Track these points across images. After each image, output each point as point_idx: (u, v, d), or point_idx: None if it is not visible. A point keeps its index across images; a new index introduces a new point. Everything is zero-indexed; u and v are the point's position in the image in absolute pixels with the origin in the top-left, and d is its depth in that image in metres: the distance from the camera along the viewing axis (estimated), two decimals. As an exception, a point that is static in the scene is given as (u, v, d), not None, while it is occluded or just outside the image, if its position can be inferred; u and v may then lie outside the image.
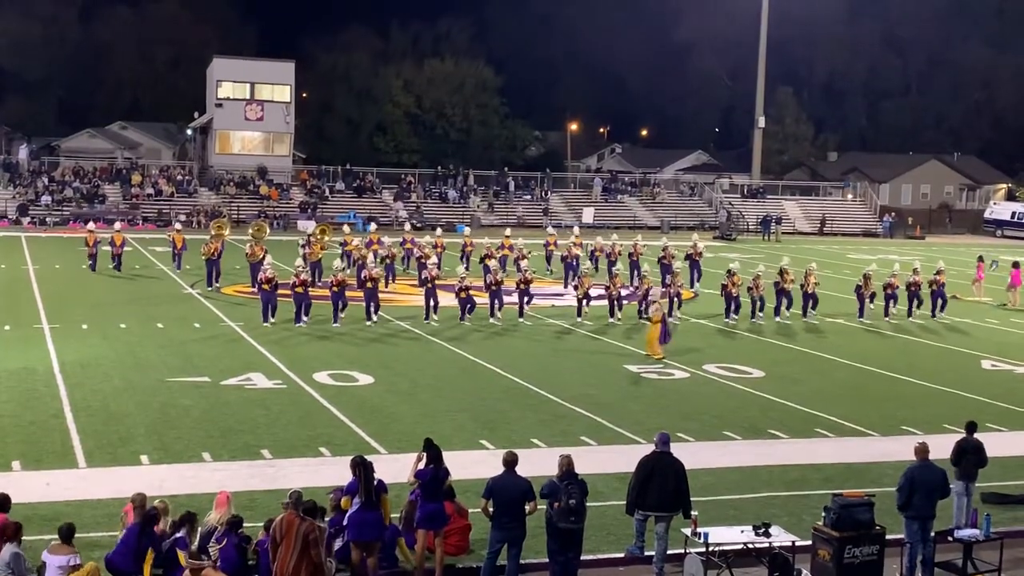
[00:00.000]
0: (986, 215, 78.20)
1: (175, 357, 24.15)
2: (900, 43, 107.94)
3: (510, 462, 12.48)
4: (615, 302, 31.29)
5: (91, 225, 42.76)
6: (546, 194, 73.09)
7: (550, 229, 47.93)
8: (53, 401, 19.73)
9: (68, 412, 18.99)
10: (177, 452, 16.87)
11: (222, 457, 16.71)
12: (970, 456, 14.45)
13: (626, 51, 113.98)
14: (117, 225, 43.10)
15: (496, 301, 30.64)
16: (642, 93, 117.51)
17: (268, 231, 40.01)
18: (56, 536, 11.61)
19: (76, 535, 11.79)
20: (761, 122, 79.74)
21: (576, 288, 32.15)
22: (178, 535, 11.75)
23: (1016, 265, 38.31)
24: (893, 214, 75.88)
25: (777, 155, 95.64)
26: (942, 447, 14.76)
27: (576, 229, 45.61)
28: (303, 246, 37.04)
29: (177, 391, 20.82)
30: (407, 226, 47.57)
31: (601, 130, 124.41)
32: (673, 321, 30.97)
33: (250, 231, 39.40)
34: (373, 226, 46.16)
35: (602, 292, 32.06)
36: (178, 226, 43.70)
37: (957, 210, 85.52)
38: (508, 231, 44.52)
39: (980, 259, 40.73)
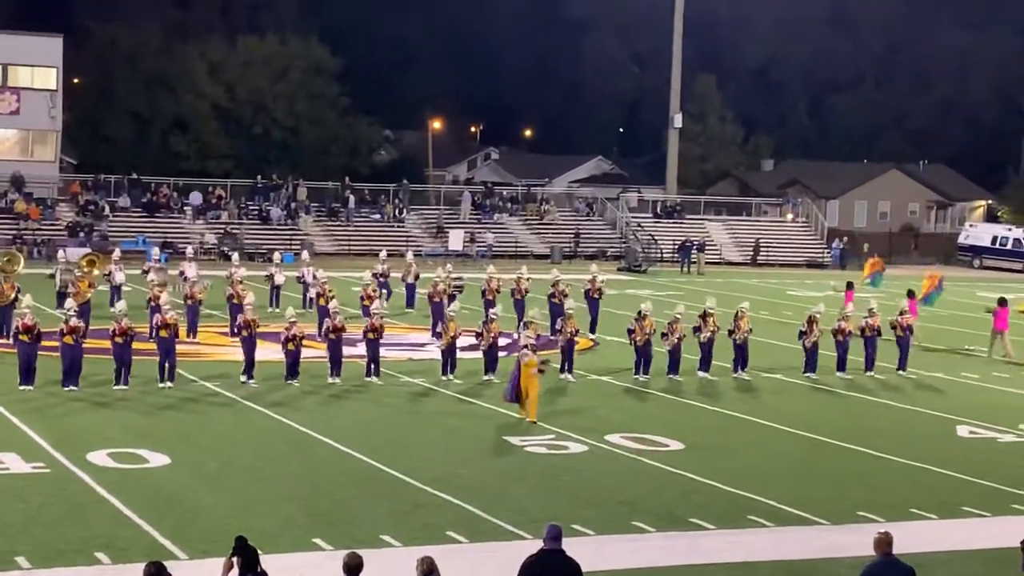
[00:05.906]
0: (960, 240, 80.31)
1: (-103, 433, 23.50)
2: (852, 24, 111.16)
3: (353, 567, 12.42)
4: (491, 354, 31.30)
5: None
6: (400, 212, 73.17)
7: (409, 256, 47.96)
8: None
9: None
10: (-100, 562, 16.39)
11: (-38, 568, 16.30)
12: None
13: (504, 30, 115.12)
14: None
15: (336, 354, 30.43)
16: (525, 84, 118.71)
17: (23, 263, 39.20)
18: None
19: None
20: (678, 121, 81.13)
21: (439, 336, 32.10)
22: None
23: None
24: (844, 239, 77.72)
25: (698, 163, 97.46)
26: (909, 538, 15.10)
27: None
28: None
29: (-100, 479, 20.25)
30: (188, 251, 46.49)
31: (472, 130, 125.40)
32: (568, 377, 31.17)
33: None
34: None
35: (473, 341, 32.00)
36: None
37: (925, 234, 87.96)
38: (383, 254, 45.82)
39: (910, 294, 40.60)
